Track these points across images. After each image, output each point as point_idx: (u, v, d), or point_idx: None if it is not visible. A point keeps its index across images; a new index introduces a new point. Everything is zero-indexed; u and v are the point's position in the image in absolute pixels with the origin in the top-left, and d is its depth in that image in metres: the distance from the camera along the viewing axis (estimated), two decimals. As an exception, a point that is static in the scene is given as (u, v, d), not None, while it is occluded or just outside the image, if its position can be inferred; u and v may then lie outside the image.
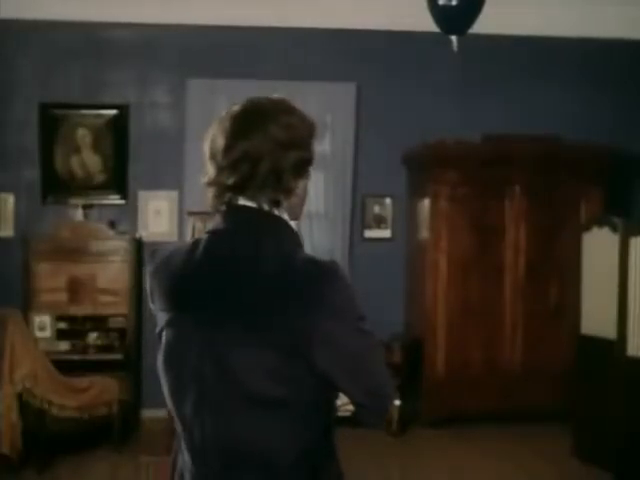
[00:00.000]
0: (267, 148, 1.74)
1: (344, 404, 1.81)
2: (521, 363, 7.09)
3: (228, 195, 1.78)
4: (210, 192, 1.80)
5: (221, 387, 1.70)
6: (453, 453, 6.37)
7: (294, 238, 1.80)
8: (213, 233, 1.80)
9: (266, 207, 1.78)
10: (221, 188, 1.78)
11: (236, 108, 1.81)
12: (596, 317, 5.92)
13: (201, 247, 1.78)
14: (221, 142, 1.77)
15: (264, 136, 1.75)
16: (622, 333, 5.61)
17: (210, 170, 1.79)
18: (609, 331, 5.72)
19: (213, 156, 1.79)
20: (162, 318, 1.81)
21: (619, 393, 5.64)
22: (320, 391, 1.74)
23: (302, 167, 1.81)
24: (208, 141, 1.81)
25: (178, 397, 1.78)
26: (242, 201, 1.78)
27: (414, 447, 6.54)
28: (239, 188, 1.76)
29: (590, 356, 5.98)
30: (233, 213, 1.79)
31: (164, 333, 1.80)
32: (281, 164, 1.76)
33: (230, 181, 1.76)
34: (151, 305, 1.87)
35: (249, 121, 1.77)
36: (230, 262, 1.73)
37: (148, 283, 1.86)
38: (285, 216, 1.81)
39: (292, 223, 1.83)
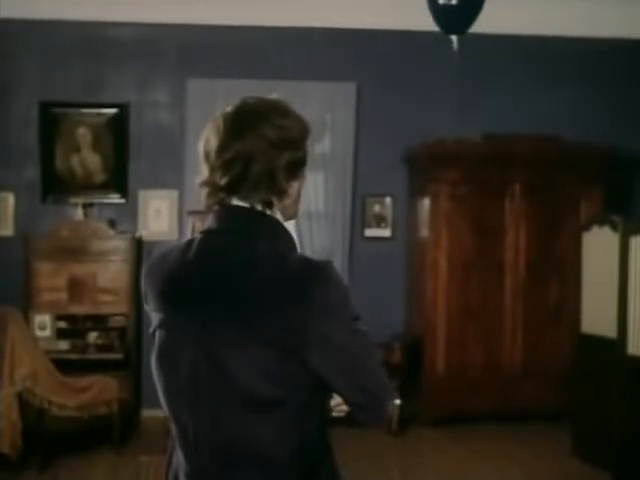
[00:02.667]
0: (260, 148, 1.74)
1: (338, 404, 1.81)
2: (521, 363, 7.08)
3: (221, 195, 1.78)
4: (204, 192, 1.81)
5: (216, 387, 1.70)
6: (453, 453, 6.37)
7: (287, 238, 1.80)
8: (206, 233, 1.80)
9: (259, 207, 1.78)
10: (214, 188, 1.78)
11: (229, 109, 1.81)
12: (596, 316, 5.92)
13: (195, 247, 1.78)
14: (214, 142, 1.77)
15: (257, 136, 1.75)
16: (622, 332, 5.61)
17: (204, 170, 1.79)
18: (609, 330, 5.72)
19: (207, 156, 1.79)
20: (155, 318, 1.81)
21: (619, 393, 5.64)
22: (315, 391, 1.74)
23: (295, 168, 1.81)
24: (202, 141, 1.81)
25: (172, 397, 1.78)
26: (235, 201, 1.78)
27: (414, 447, 6.53)
28: (232, 188, 1.76)
29: (590, 355, 5.98)
30: (226, 213, 1.79)
31: (157, 333, 1.80)
32: (274, 164, 1.76)
33: (223, 181, 1.76)
34: (145, 305, 1.87)
35: (242, 121, 1.77)
36: (224, 262, 1.73)
37: (142, 283, 1.86)
38: (278, 216, 1.81)
39: (287, 223, 1.83)
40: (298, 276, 1.69)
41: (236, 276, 1.71)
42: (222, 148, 1.76)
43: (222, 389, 1.70)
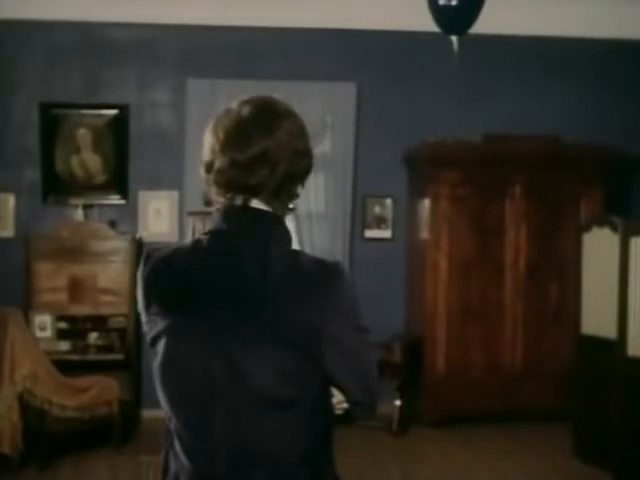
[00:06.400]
0: (284, 152, 1.75)
1: (339, 402, 1.83)
2: (521, 363, 7.09)
3: (243, 197, 1.76)
4: (221, 189, 1.77)
5: (232, 388, 1.70)
6: (453, 453, 6.37)
7: (290, 237, 1.82)
8: (217, 234, 1.78)
9: (279, 212, 1.79)
10: (237, 187, 1.76)
11: (250, 106, 1.78)
12: (596, 317, 5.93)
13: (206, 248, 1.76)
14: (235, 135, 1.74)
15: (282, 137, 1.74)
16: (622, 333, 5.61)
17: (220, 163, 1.75)
18: (609, 331, 5.72)
19: (224, 147, 1.75)
20: (160, 324, 1.76)
21: (619, 393, 5.64)
22: (324, 390, 1.76)
23: (307, 174, 1.83)
24: (218, 131, 1.77)
25: (183, 400, 1.76)
26: (256, 203, 1.77)
27: (414, 447, 6.54)
28: (257, 190, 1.75)
29: (590, 356, 5.98)
30: (242, 214, 1.77)
31: (163, 339, 1.76)
32: (294, 169, 1.77)
33: (250, 181, 1.74)
34: (141, 310, 1.81)
35: (266, 119, 1.76)
36: (239, 263, 1.72)
37: (141, 288, 1.80)
38: (285, 219, 1.83)
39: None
40: (314, 277, 1.71)
41: (252, 277, 1.70)
42: (248, 143, 1.73)
43: (238, 390, 1.69)
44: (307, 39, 7.28)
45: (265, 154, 1.73)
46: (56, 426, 5.82)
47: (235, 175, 1.74)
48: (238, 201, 1.77)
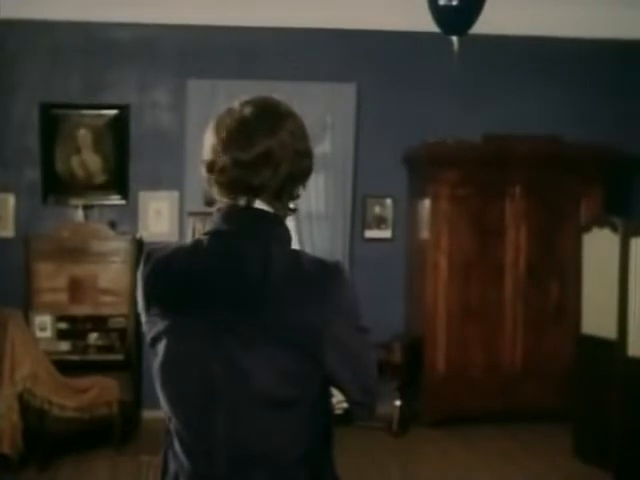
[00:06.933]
0: (286, 153, 1.75)
1: (339, 402, 1.84)
2: (521, 363, 7.09)
3: (247, 197, 1.76)
4: (223, 189, 1.77)
5: (232, 389, 1.70)
6: (453, 453, 6.37)
7: (291, 239, 1.82)
8: (217, 234, 1.78)
9: (280, 213, 1.79)
10: (240, 187, 1.75)
11: (252, 106, 1.78)
12: (596, 317, 5.93)
13: (207, 248, 1.76)
14: (242, 135, 1.74)
15: (284, 137, 1.75)
16: (622, 333, 5.62)
17: (224, 162, 1.75)
18: (609, 331, 5.73)
19: (226, 146, 1.75)
20: (159, 324, 1.76)
21: (619, 393, 5.64)
22: (324, 390, 1.77)
23: (309, 175, 1.83)
24: (222, 131, 1.76)
25: (183, 401, 1.76)
26: (258, 204, 1.77)
27: (414, 447, 6.54)
28: (259, 190, 1.75)
29: (590, 356, 5.99)
30: (244, 215, 1.77)
31: (163, 339, 1.76)
32: (296, 169, 1.78)
33: (253, 181, 1.74)
34: (141, 311, 1.81)
35: (269, 119, 1.76)
36: (239, 264, 1.72)
37: (141, 288, 1.80)
38: (286, 220, 1.83)
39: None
40: (314, 277, 1.71)
41: (252, 277, 1.70)
42: (251, 143, 1.73)
43: (239, 390, 1.70)
44: (307, 39, 7.28)
45: (268, 154, 1.73)
46: (56, 426, 5.83)
47: (237, 175, 1.74)
48: (241, 202, 1.77)
